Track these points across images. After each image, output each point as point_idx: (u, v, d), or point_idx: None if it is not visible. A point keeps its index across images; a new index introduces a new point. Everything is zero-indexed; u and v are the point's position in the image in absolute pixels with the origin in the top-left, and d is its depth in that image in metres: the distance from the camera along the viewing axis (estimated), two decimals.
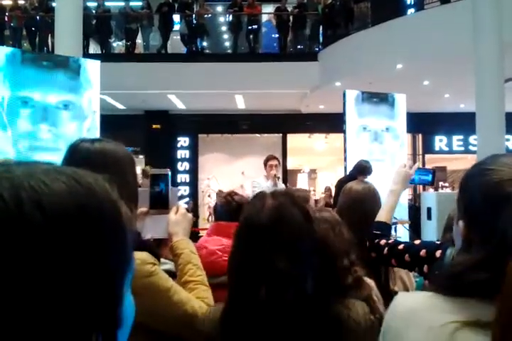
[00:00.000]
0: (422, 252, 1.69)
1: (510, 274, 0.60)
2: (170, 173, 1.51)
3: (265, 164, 5.47)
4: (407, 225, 5.74)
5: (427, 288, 0.81)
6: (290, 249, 1.06)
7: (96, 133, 5.28)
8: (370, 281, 1.61)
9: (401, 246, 1.77)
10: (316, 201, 10.53)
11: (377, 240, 1.84)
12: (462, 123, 10.42)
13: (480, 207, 0.77)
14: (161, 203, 1.45)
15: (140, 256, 1.21)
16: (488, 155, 0.85)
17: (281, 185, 5.30)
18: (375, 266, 1.91)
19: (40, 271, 0.43)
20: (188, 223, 1.45)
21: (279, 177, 5.43)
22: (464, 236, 0.81)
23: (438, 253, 1.64)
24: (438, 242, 1.84)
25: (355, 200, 2.13)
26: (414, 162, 13.18)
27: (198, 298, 1.30)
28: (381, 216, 1.94)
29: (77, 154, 1.22)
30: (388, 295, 1.91)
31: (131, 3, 11.75)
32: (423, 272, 1.69)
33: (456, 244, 0.84)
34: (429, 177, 2.01)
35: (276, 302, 1.05)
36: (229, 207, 2.12)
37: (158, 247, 1.42)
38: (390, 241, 1.81)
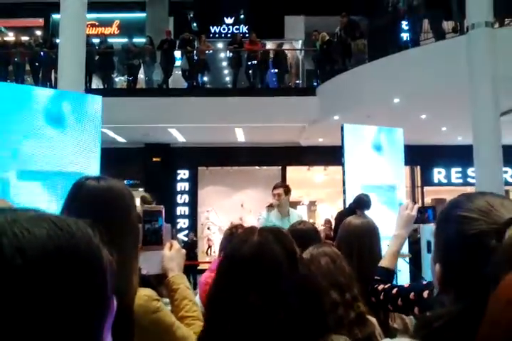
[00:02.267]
0: (411, 295, 1.69)
1: (481, 332, 0.60)
2: (163, 210, 1.51)
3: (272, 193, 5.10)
4: (407, 258, 5.70)
5: (410, 332, 0.81)
6: (265, 286, 1.05)
7: (97, 166, 5.30)
8: (372, 319, 1.60)
9: (394, 291, 1.78)
10: None
11: (376, 285, 1.84)
12: (460, 155, 10.49)
13: (456, 257, 0.77)
14: (154, 239, 1.45)
15: (146, 293, 1.24)
16: (463, 194, 0.85)
17: (295, 215, 4.89)
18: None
19: (17, 310, 0.45)
20: (182, 259, 1.47)
21: (270, 206, 5.09)
22: (439, 279, 0.81)
23: (425, 293, 1.65)
24: (425, 283, 1.85)
25: (353, 234, 2.13)
26: (413, 194, 13.22)
27: (195, 333, 1.31)
28: (384, 261, 1.93)
29: (84, 192, 1.24)
30: (388, 332, 1.89)
31: (134, 40, 12.05)
32: (414, 314, 1.69)
33: (434, 286, 0.84)
34: (431, 216, 2.03)
35: (243, 339, 1.04)
36: (231, 238, 2.15)
37: (159, 284, 1.43)
38: (386, 287, 1.82)
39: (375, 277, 1.87)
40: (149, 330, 1.20)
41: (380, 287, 1.82)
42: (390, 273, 1.90)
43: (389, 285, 1.82)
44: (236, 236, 1.21)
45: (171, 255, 1.44)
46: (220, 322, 1.07)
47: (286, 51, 13.72)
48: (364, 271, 1.88)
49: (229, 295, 1.07)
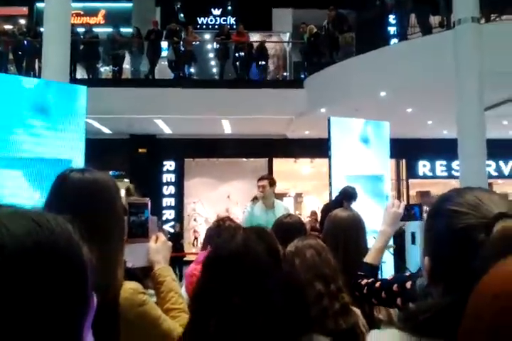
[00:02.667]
0: (395, 287, 1.71)
1: (463, 324, 0.61)
2: (149, 202, 1.51)
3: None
4: (391, 250, 5.76)
5: (397, 324, 0.82)
6: (247, 284, 1.06)
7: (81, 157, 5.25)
8: (357, 310, 1.62)
9: (377, 284, 1.79)
10: None
11: (359, 280, 1.86)
12: (445, 149, 10.61)
13: (446, 251, 0.78)
14: (140, 232, 1.45)
15: (132, 286, 1.23)
16: (453, 189, 0.86)
17: (280, 207, 4.83)
18: None
19: None
20: (168, 251, 1.48)
21: (257, 198, 4.96)
22: (429, 272, 0.82)
23: (408, 284, 1.67)
24: (407, 274, 1.87)
25: (339, 227, 2.15)
26: (399, 187, 13.31)
27: (181, 326, 1.31)
28: (369, 257, 1.94)
29: (68, 184, 1.23)
30: (373, 323, 1.92)
31: (120, 30, 11.89)
32: (397, 305, 1.72)
33: (424, 278, 0.86)
34: (417, 213, 2.05)
35: (224, 336, 1.05)
36: (218, 230, 2.16)
37: (145, 277, 1.43)
38: (369, 281, 1.84)
39: (359, 273, 1.89)
40: (135, 324, 1.20)
41: (364, 282, 1.84)
42: (373, 269, 1.91)
43: (372, 279, 1.84)
44: (222, 235, 1.23)
45: (156, 247, 1.44)
46: (204, 320, 1.08)
47: (274, 43, 13.71)
48: (349, 264, 1.90)
49: (213, 293, 1.08)
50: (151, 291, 1.43)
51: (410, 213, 2.03)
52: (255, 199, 4.98)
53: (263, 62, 11.65)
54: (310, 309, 1.15)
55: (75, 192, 1.21)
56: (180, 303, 1.37)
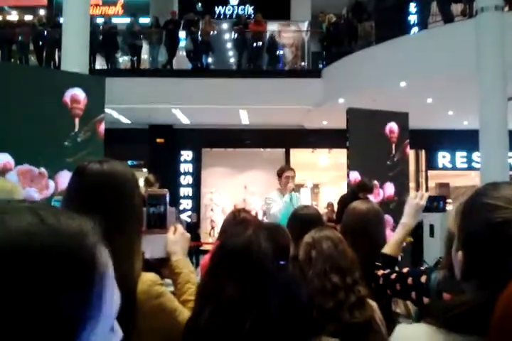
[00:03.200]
0: (409, 280, 1.71)
1: (495, 318, 0.60)
2: (168, 193, 1.51)
3: (280, 175, 4.79)
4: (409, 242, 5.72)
5: (425, 319, 0.81)
6: (245, 281, 1.06)
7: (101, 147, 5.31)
8: (372, 303, 1.61)
9: (393, 276, 1.79)
10: None
11: (376, 271, 1.85)
12: (465, 140, 10.45)
13: (482, 246, 0.77)
14: (159, 223, 1.46)
15: (149, 277, 1.24)
16: (487, 184, 0.84)
17: (297, 198, 4.74)
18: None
19: None
20: (186, 242, 1.48)
21: (296, 190, 4.81)
22: (462, 268, 0.81)
23: (423, 278, 1.66)
24: (423, 268, 1.85)
25: (359, 220, 2.13)
26: (417, 178, 13.17)
27: None
28: (388, 248, 1.93)
29: (88, 176, 1.23)
30: (390, 317, 1.92)
31: (140, 20, 11.92)
32: (412, 299, 1.70)
33: (456, 273, 0.84)
34: (441, 204, 2.02)
35: (214, 328, 1.05)
36: (234, 221, 2.17)
37: (161, 267, 1.44)
38: (385, 272, 1.83)
39: (376, 263, 1.88)
40: (152, 315, 1.20)
41: (380, 272, 1.83)
42: (392, 261, 1.89)
43: (388, 270, 1.82)
44: (235, 227, 1.23)
45: (174, 239, 1.45)
46: (200, 310, 1.09)
47: (292, 33, 13.58)
48: (369, 257, 1.88)
49: (212, 284, 1.09)
50: (168, 281, 1.44)
51: (433, 205, 2.00)
52: (283, 190, 4.78)
53: (278, 52, 11.58)
54: (312, 312, 1.15)
55: (94, 184, 1.22)
56: None
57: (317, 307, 1.47)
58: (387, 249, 1.92)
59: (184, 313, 1.28)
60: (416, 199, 1.95)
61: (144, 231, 1.40)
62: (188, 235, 1.50)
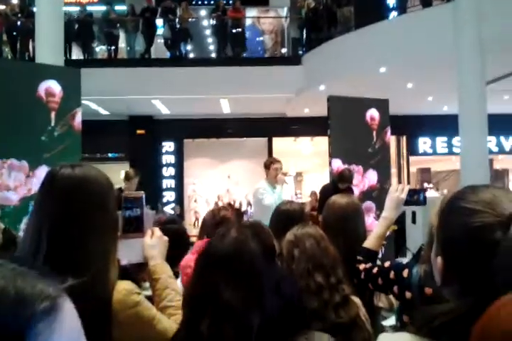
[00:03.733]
0: (391, 274, 1.71)
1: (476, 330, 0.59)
2: (144, 196, 1.46)
3: (268, 167, 4.90)
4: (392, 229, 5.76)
5: (409, 328, 0.79)
6: (240, 283, 1.04)
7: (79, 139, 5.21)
8: (357, 300, 1.61)
9: (375, 270, 1.79)
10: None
11: (357, 265, 1.84)
12: (446, 125, 10.53)
13: (461, 251, 0.75)
14: (135, 227, 1.41)
15: (125, 286, 1.20)
16: (465, 187, 0.82)
17: (288, 191, 5.01)
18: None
19: None
20: (164, 246, 1.43)
21: (286, 183, 4.94)
22: (441, 273, 0.79)
23: (405, 273, 1.66)
24: (404, 262, 1.86)
25: (339, 215, 2.12)
26: (399, 164, 13.30)
27: (178, 324, 1.27)
28: (369, 242, 1.93)
29: (59, 182, 1.19)
30: (373, 312, 1.91)
31: (115, 8, 11.66)
32: (394, 293, 1.70)
33: (435, 278, 0.82)
34: (421, 197, 2.02)
35: (216, 337, 1.02)
36: (214, 220, 2.14)
37: (138, 272, 1.40)
38: (367, 266, 1.83)
39: (358, 257, 1.87)
40: (129, 325, 1.17)
41: (362, 266, 1.83)
42: (373, 255, 1.89)
43: (370, 264, 1.82)
44: (217, 231, 1.19)
45: (152, 243, 1.41)
46: (195, 321, 1.06)
47: (271, 19, 13.46)
48: (350, 251, 1.88)
49: (205, 292, 1.06)
50: (147, 284, 1.40)
51: (413, 198, 1.99)
52: (272, 181, 4.82)
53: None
54: (305, 307, 1.13)
55: (65, 189, 1.17)
56: (177, 300, 1.33)
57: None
58: (368, 243, 1.92)
59: (163, 321, 1.25)
60: (396, 192, 1.95)
61: (120, 235, 1.35)
62: (166, 238, 1.45)
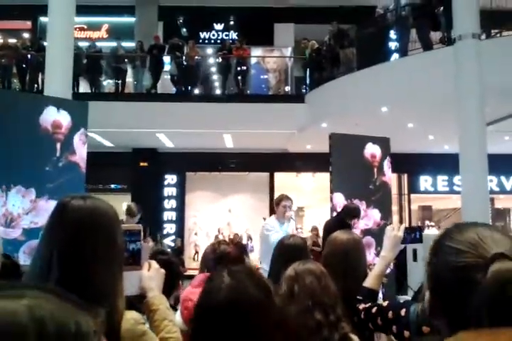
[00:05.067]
0: (390, 314, 1.71)
1: None
2: (142, 229, 1.49)
3: (277, 204, 5.00)
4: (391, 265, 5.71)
5: None
6: (246, 331, 1.00)
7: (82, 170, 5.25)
8: (355, 338, 1.59)
9: (374, 310, 1.78)
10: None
11: (357, 305, 1.84)
12: (447, 164, 10.59)
13: (445, 288, 0.78)
14: (133, 260, 1.43)
15: (133, 316, 1.22)
16: (455, 225, 0.86)
17: (292, 226, 4.95)
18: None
19: None
20: (161, 278, 1.45)
21: (293, 219, 5.02)
22: (430, 306, 0.82)
23: (403, 311, 1.66)
24: (402, 301, 1.85)
25: (340, 251, 2.12)
26: (400, 202, 13.27)
27: None
28: (368, 282, 1.93)
29: (68, 212, 1.21)
30: None
31: (123, 44, 12.00)
32: (393, 332, 1.70)
33: (426, 309, 0.86)
34: (417, 235, 2.04)
35: None
36: (214, 255, 2.14)
37: (141, 303, 1.41)
38: (366, 306, 1.82)
39: (358, 297, 1.86)
40: None
41: (361, 306, 1.83)
42: (373, 294, 1.89)
43: (369, 304, 1.81)
44: (208, 281, 1.16)
45: (149, 275, 1.43)
46: None
47: (275, 58, 13.81)
48: (350, 289, 1.87)
49: None
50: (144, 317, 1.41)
51: (411, 237, 2.01)
52: (280, 218, 4.87)
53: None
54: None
55: (76, 221, 1.19)
56: (174, 332, 1.35)
57: None
58: (367, 283, 1.92)
59: None
60: (393, 231, 1.97)
61: None
62: (163, 271, 1.47)
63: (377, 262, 1.98)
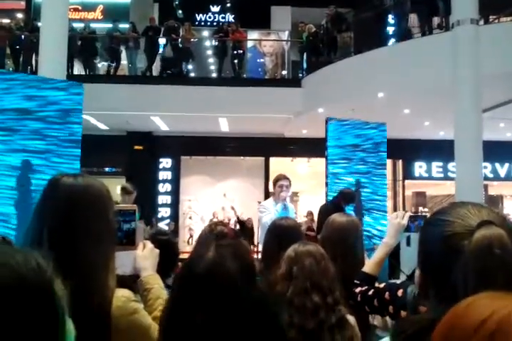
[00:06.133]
0: (386, 295, 1.72)
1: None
2: (137, 209, 1.49)
3: (274, 184, 4.85)
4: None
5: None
6: (216, 307, 1.00)
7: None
8: (351, 319, 1.61)
9: (370, 292, 1.80)
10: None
11: (354, 288, 1.85)
12: (441, 150, 10.61)
13: (433, 260, 0.80)
14: (128, 239, 1.43)
15: (124, 293, 1.22)
16: (448, 204, 0.88)
17: (291, 209, 4.76)
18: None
19: None
20: (155, 258, 1.46)
21: (287, 202, 4.75)
22: (420, 285, 0.84)
23: (400, 292, 1.68)
24: (398, 282, 1.87)
25: (338, 233, 2.13)
26: (395, 188, 13.32)
27: None
28: (368, 267, 1.93)
29: (60, 190, 1.20)
30: (368, 330, 1.91)
31: (120, 25, 11.83)
32: (389, 313, 1.72)
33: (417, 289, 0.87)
34: (421, 223, 2.04)
35: None
36: (211, 235, 2.14)
37: (135, 283, 1.41)
38: (363, 289, 1.84)
39: (355, 281, 1.87)
40: (126, 332, 1.18)
41: (358, 289, 1.84)
42: (371, 280, 1.89)
43: (366, 287, 1.83)
44: (195, 249, 1.17)
45: (144, 255, 1.43)
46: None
47: (272, 42, 13.68)
48: (347, 270, 1.89)
49: (179, 313, 1.02)
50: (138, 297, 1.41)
51: (415, 225, 2.02)
52: (276, 198, 4.71)
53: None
54: (285, 332, 1.10)
55: (67, 198, 1.19)
56: None
57: (297, 327, 1.46)
58: (367, 268, 1.92)
59: (157, 330, 1.24)
60: (397, 219, 1.96)
61: None
62: (157, 251, 1.48)
63: (379, 248, 1.98)
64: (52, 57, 6.39)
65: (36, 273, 0.53)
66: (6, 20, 12.91)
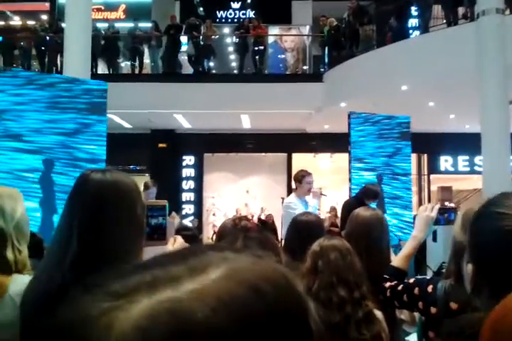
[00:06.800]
0: (416, 290, 1.68)
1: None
2: (167, 204, 1.50)
3: (300, 181, 4.70)
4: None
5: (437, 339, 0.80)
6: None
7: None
8: (379, 314, 1.59)
9: (400, 287, 1.76)
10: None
11: (383, 283, 1.83)
12: (467, 143, 10.43)
13: (491, 255, 0.75)
14: (158, 235, 1.45)
15: None
16: (499, 194, 0.82)
17: (315, 205, 4.70)
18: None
19: None
20: None
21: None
22: (473, 280, 0.79)
23: (430, 288, 1.64)
24: (428, 277, 1.83)
25: (362, 227, 2.11)
26: (420, 182, 13.13)
27: None
28: (397, 261, 1.90)
29: (89, 185, 1.22)
30: (395, 324, 1.89)
31: (140, 24, 11.96)
32: (419, 309, 1.69)
33: (466, 285, 0.83)
34: (452, 216, 2.00)
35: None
36: (234, 229, 2.15)
37: None
38: (392, 284, 1.81)
39: (385, 276, 1.85)
40: None
41: (387, 284, 1.81)
42: (401, 274, 1.86)
43: (395, 282, 1.80)
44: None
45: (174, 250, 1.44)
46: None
47: (293, 37, 13.61)
48: (373, 265, 1.86)
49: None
50: None
51: (445, 218, 1.97)
52: (302, 195, 4.68)
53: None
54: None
55: (96, 193, 1.21)
56: None
57: (323, 320, 1.45)
58: (396, 262, 1.89)
59: None
60: (426, 211, 1.91)
61: (144, 242, 1.37)
62: (187, 245, 1.48)
63: (407, 242, 1.94)
64: (76, 57, 6.51)
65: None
66: (31, 22, 13.16)
